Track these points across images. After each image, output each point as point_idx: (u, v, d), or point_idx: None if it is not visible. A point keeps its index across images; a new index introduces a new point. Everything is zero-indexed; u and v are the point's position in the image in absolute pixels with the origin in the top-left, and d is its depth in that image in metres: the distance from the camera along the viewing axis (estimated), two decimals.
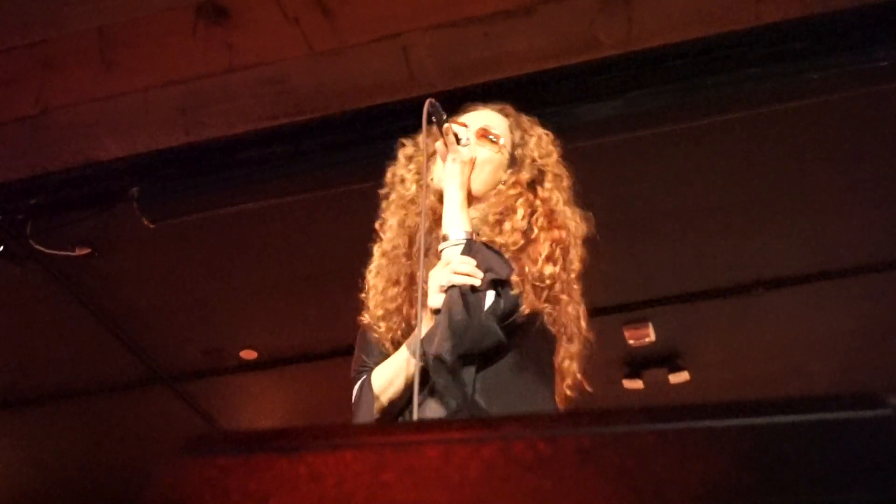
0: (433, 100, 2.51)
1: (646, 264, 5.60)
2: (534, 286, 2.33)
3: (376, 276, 2.55)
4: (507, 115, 2.70)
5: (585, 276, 2.54)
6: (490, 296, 2.27)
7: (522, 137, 2.64)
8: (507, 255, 2.37)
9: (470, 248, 2.33)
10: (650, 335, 6.13)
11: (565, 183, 2.63)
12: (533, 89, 4.42)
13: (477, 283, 2.27)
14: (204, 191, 4.86)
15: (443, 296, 2.28)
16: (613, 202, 5.02)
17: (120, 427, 7.06)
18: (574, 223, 2.53)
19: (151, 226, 4.93)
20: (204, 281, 5.73)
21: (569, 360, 2.45)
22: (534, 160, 2.60)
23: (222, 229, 5.26)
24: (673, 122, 4.59)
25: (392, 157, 2.72)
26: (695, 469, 0.83)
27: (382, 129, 4.52)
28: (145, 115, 4.61)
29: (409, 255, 2.52)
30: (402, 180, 2.65)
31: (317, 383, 6.73)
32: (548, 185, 2.58)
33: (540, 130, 2.70)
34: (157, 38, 4.42)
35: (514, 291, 2.29)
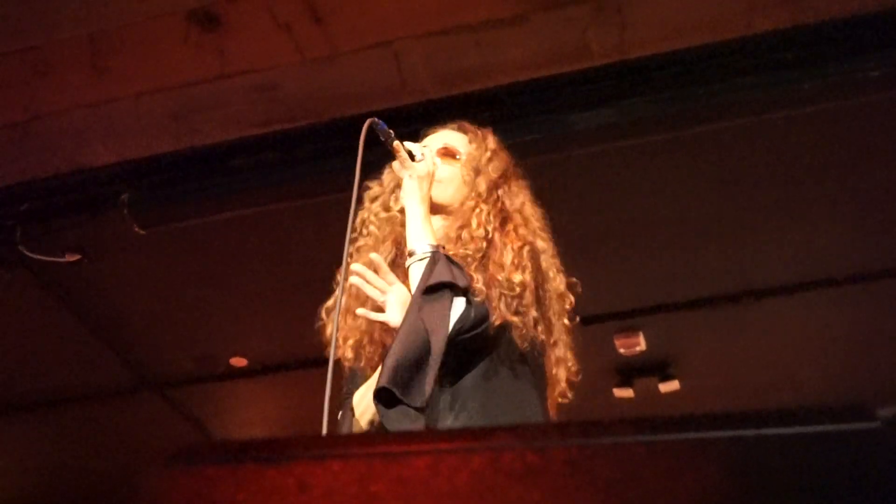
0: (376, 119, 2.51)
1: (637, 273, 5.61)
2: (503, 295, 2.32)
3: (335, 311, 2.45)
4: (465, 131, 2.73)
5: (573, 284, 2.54)
6: (459, 303, 2.26)
7: (479, 148, 2.66)
8: (472, 265, 2.37)
9: (434, 261, 2.32)
10: (641, 344, 6.13)
11: (523, 186, 2.66)
12: (525, 97, 4.42)
13: (379, 297, 2.31)
14: (195, 197, 4.86)
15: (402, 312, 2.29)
16: (605, 210, 5.03)
17: (109, 434, 7.03)
18: (536, 222, 2.55)
19: (142, 232, 4.92)
20: (194, 287, 5.72)
21: (555, 368, 2.44)
22: (490, 169, 2.62)
23: (213, 236, 5.25)
24: (665, 130, 4.60)
25: (359, 202, 2.68)
26: (684, 481, 0.83)
27: (374, 136, 4.52)
28: (136, 121, 4.61)
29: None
30: (370, 223, 2.67)
31: (307, 390, 6.68)
32: (506, 192, 2.59)
33: (493, 139, 2.72)
34: (148, 44, 4.42)
35: (479, 299, 2.29)
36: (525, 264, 2.39)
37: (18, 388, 6.57)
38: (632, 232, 5.29)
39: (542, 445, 0.88)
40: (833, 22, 4.16)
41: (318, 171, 4.70)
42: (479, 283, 2.31)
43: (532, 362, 2.39)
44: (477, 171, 2.61)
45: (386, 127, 2.52)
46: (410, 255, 2.39)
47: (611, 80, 4.41)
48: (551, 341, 2.43)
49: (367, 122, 2.49)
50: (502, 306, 2.31)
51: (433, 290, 2.25)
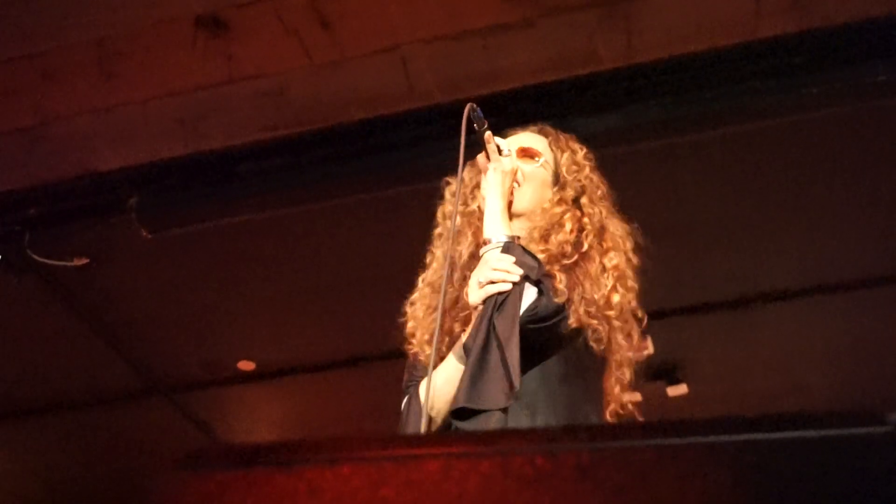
0: (474, 104, 2.46)
1: (644, 277, 5.59)
2: (584, 300, 2.30)
3: (415, 306, 2.50)
4: (545, 135, 2.70)
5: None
6: (531, 292, 2.24)
7: (563, 155, 2.63)
8: (556, 266, 2.34)
9: (508, 249, 2.30)
10: (649, 348, 6.11)
11: (607, 195, 2.66)
12: (532, 102, 4.42)
13: (515, 279, 2.24)
14: (203, 202, 4.86)
15: (482, 292, 2.26)
16: (637, 236, 5.02)
17: (117, 438, 7.04)
18: (622, 237, 2.57)
19: (150, 237, 4.93)
20: (202, 292, 5.72)
21: (618, 386, 2.42)
22: (576, 177, 2.60)
23: (221, 240, 5.26)
24: (671, 135, 4.59)
25: (439, 197, 2.66)
26: (693, 485, 0.83)
27: (382, 140, 4.53)
28: (144, 126, 4.62)
29: (450, 282, 2.46)
30: (449, 216, 2.60)
31: (315, 394, 6.73)
32: (591, 200, 2.58)
33: (576, 145, 2.69)
34: (156, 49, 4.43)
35: (560, 300, 2.25)
36: (625, 287, 2.44)
37: (26, 392, 6.58)
38: (639, 236, 5.29)
39: (551, 450, 0.88)
40: (839, 27, 4.16)
41: (326, 176, 4.71)
42: (561, 284, 2.28)
43: (595, 373, 2.38)
44: (561, 177, 2.59)
45: (482, 115, 2.47)
46: (486, 243, 2.36)
47: (617, 84, 4.41)
48: (616, 358, 2.41)
49: (468, 106, 2.44)
50: (582, 310, 2.28)
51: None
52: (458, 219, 2.57)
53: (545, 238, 2.44)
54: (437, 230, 2.63)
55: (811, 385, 6.48)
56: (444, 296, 2.32)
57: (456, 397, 2.15)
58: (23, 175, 4.79)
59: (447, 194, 2.65)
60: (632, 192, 5.02)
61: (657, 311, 5.83)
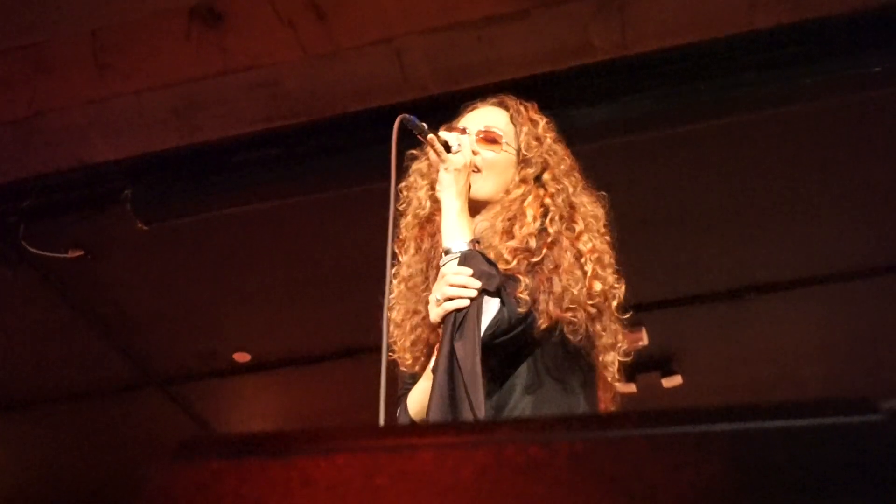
0: (406, 115, 2.36)
1: (639, 268, 5.58)
2: (554, 297, 2.21)
3: (394, 309, 2.42)
4: (506, 108, 2.57)
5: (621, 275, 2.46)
6: (493, 305, 2.17)
7: (522, 129, 2.51)
8: (524, 264, 2.26)
9: (466, 260, 2.22)
10: (644, 339, 6.13)
11: (572, 168, 2.53)
12: (527, 93, 4.41)
13: (473, 294, 2.16)
14: (197, 193, 4.86)
15: (439, 310, 2.19)
16: (606, 206, 5.01)
17: (112, 430, 7.04)
18: (593, 216, 2.44)
19: (145, 228, 4.93)
20: (197, 283, 5.72)
21: (603, 355, 2.33)
22: (538, 152, 2.48)
23: (216, 232, 5.26)
24: (666, 126, 4.59)
25: (405, 170, 2.57)
26: (687, 474, 0.83)
27: (376, 132, 4.50)
28: (139, 117, 4.61)
29: (426, 280, 2.40)
30: (416, 200, 2.53)
31: (310, 386, 6.73)
32: (554, 176, 2.46)
33: (536, 116, 2.57)
34: (150, 40, 4.42)
35: (523, 308, 2.17)
36: (604, 270, 2.31)
37: (21, 384, 6.58)
38: (634, 228, 5.29)
39: (545, 439, 0.88)
40: (835, 18, 4.16)
41: (321, 168, 4.71)
42: (525, 291, 2.20)
43: (582, 356, 2.29)
44: (522, 154, 2.48)
45: (417, 121, 2.37)
46: (446, 253, 2.28)
47: (612, 76, 4.41)
48: (601, 330, 2.30)
49: (398, 118, 2.35)
50: (551, 306, 2.20)
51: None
52: (428, 205, 2.49)
53: (508, 231, 2.34)
54: (403, 208, 2.54)
55: (805, 376, 6.49)
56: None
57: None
58: (17, 167, 4.79)
59: (414, 174, 2.57)
60: (626, 184, 5.05)
61: (652, 303, 5.89)
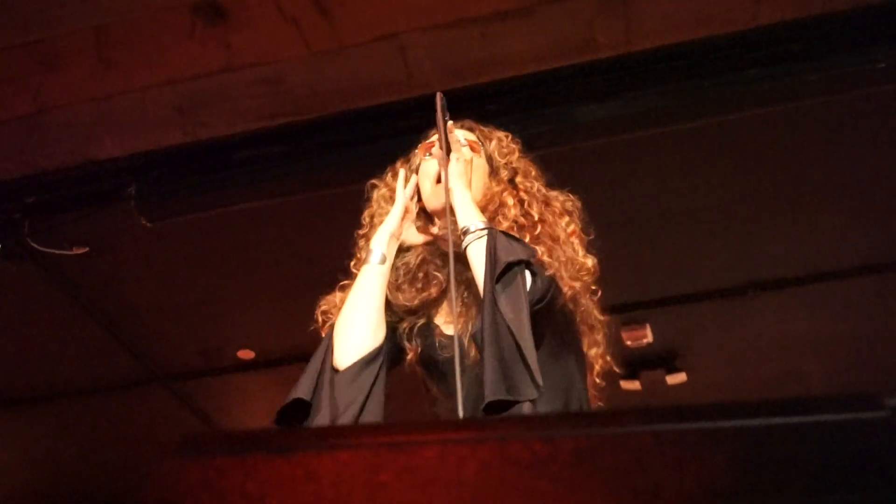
0: (443, 95, 2.51)
1: (643, 265, 5.60)
2: (564, 266, 2.32)
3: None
4: (470, 129, 2.72)
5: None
6: (528, 278, 2.22)
7: (491, 143, 2.67)
8: (528, 239, 2.36)
9: (493, 236, 2.28)
10: (648, 336, 6.13)
11: (539, 176, 2.65)
12: (530, 90, 4.42)
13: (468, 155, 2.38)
14: (201, 190, 4.86)
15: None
16: (611, 203, 5.02)
17: (117, 427, 7.05)
18: (568, 203, 2.56)
19: (149, 225, 4.93)
20: (201, 280, 5.73)
21: (595, 348, 2.46)
22: (508, 160, 2.63)
23: (220, 229, 5.26)
24: (670, 123, 4.59)
25: (366, 200, 2.74)
26: (691, 470, 0.83)
27: (380, 129, 4.53)
28: (143, 114, 4.61)
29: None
30: (378, 216, 2.66)
31: None
32: (525, 177, 2.60)
33: (501, 134, 2.72)
34: (154, 37, 4.42)
35: (550, 271, 2.27)
36: (588, 250, 2.44)
37: (25, 380, 6.59)
38: (638, 224, 5.29)
39: (549, 435, 0.88)
40: (839, 14, 4.15)
41: (325, 164, 4.71)
42: (545, 255, 2.31)
43: (577, 336, 2.42)
44: (494, 162, 2.63)
45: (447, 107, 2.53)
46: (465, 233, 2.33)
47: (616, 72, 4.41)
48: (589, 321, 2.44)
49: (439, 95, 2.51)
50: (565, 275, 2.31)
51: (504, 273, 2.20)
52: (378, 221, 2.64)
53: (494, 219, 2.45)
54: (363, 231, 2.71)
55: (809, 372, 6.49)
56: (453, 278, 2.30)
57: (485, 391, 2.10)
58: (22, 163, 4.79)
59: (374, 198, 2.73)
60: (630, 180, 5.05)
61: (656, 300, 5.89)
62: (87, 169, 4.81)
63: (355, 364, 2.37)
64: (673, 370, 6.48)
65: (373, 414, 2.28)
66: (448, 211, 2.39)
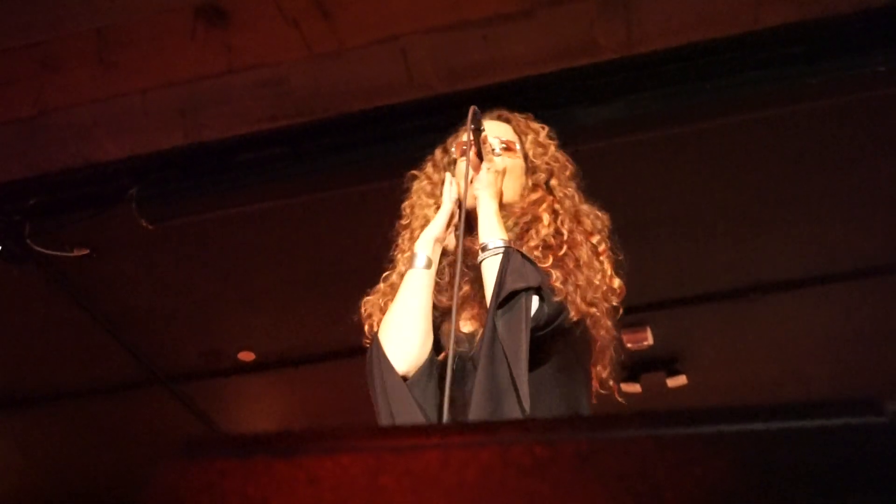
0: (476, 108, 2.51)
1: (644, 268, 5.59)
2: (581, 290, 2.31)
3: (369, 299, 2.58)
4: (506, 121, 2.72)
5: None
6: (534, 302, 2.24)
7: (527, 137, 2.66)
8: (549, 261, 2.36)
9: (508, 257, 2.30)
10: (648, 339, 6.13)
11: (574, 176, 2.65)
12: (532, 92, 4.42)
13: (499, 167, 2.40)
14: (203, 192, 4.86)
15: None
16: (612, 205, 4.98)
17: (117, 429, 7.05)
18: (598, 219, 2.58)
19: (150, 227, 4.93)
20: (202, 282, 5.72)
21: (601, 367, 2.45)
22: (543, 159, 2.62)
23: (221, 231, 5.26)
24: (672, 125, 4.59)
25: (405, 190, 2.71)
26: (693, 474, 0.83)
27: (381, 131, 4.53)
28: (144, 116, 4.61)
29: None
30: (423, 218, 2.62)
31: (315, 385, 6.73)
32: (560, 182, 2.59)
33: (537, 126, 2.72)
34: (155, 39, 4.42)
35: (558, 298, 2.26)
36: (616, 271, 2.45)
37: (26, 382, 6.59)
38: (639, 227, 5.28)
39: (550, 439, 0.88)
40: (840, 16, 4.15)
41: (326, 166, 4.71)
42: (558, 282, 2.30)
43: (586, 357, 2.41)
44: (530, 161, 2.62)
45: (480, 117, 2.54)
46: (483, 249, 2.36)
47: (617, 74, 4.41)
48: (603, 337, 2.42)
49: (472, 108, 2.50)
50: (579, 300, 2.30)
51: (508, 300, 2.22)
52: (418, 211, 2.63)
53: (527, 232, 2.46)
54: (404, 222, 2.67)
55: (811, 376, 6.48)
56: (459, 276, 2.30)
57: (472, 410, 2.14)
58: (23, 165, 4.79)
59: (414, 190, 2.70)
60: (631, 182, 5.05)
61: (657, 303, 5.89)
62: (88, 171, 4.81)
63: (420, 371, 2.36)
64: (673, 373, 6.47)
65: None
66: (462, 220, 2.39)
